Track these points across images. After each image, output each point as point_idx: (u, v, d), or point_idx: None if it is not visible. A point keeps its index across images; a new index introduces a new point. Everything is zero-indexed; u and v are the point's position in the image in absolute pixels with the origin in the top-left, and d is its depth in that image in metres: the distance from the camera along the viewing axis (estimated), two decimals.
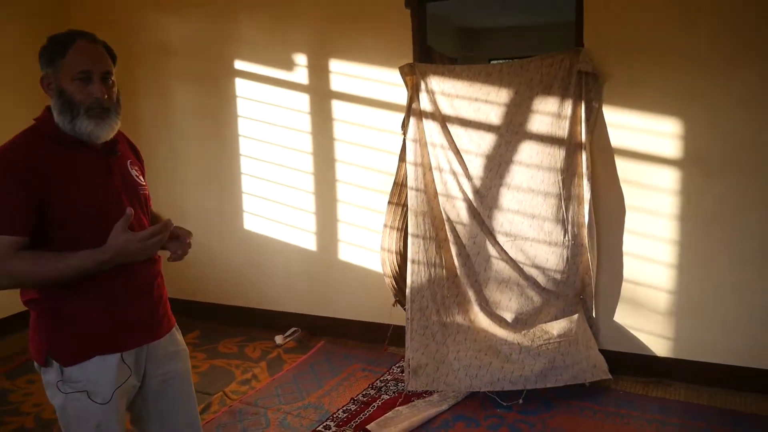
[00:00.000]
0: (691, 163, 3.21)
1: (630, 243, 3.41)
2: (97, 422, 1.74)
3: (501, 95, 3.44)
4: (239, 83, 4.19)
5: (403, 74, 3.59)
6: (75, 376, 1.72)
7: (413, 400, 3.34)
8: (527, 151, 3.42)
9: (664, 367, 3.40)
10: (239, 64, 4.17)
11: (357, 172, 3.95)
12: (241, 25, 4.14)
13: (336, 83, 3.91)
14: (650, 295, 3.40)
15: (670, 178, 3.27)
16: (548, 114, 3.38)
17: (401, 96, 3.70)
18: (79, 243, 1.67)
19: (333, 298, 4.19)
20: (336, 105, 3.93)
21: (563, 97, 3.34)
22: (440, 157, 3.56)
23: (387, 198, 3.71)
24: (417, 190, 3.59)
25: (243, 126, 4.24)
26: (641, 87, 3.24)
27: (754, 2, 3.00)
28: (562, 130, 3.36)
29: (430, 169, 3.58)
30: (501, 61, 3.34)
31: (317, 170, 4.07)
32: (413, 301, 3.52)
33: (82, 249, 1.65)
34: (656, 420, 3.04)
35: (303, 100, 4.03)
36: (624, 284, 3.45)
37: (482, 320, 3.58)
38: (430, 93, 3.55)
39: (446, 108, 3.53)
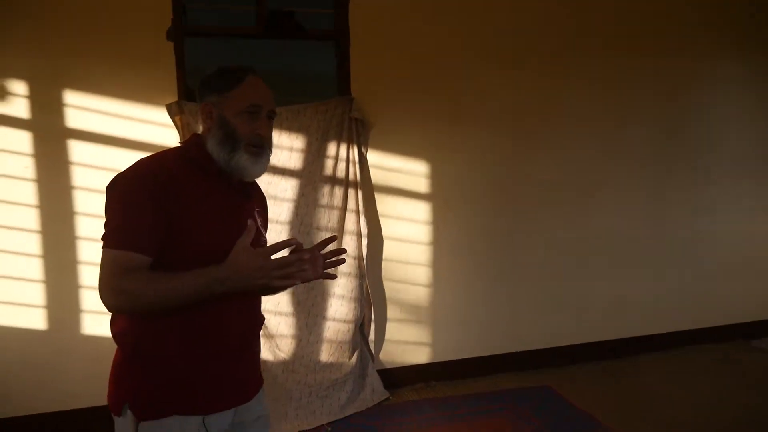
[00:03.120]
0: (437, 198, 3.89)
1: (391, 269, 3.87)
2: None
3: (282, 140, 3.48)
4: None
5: (171, 114, 3.27)
6: None
7: None
8: (313, 192, 3.54)
9: (430, 371, 3.97)
10: None
11: None
12: None
13: (75, 120, 3.21)
14: (412, 312, 3.93)
15: (421, 211, 3.87)
16: (328, 157, 3.58)
17: (166, 136, 3.32)
18: None
19: (74, 385, 3.35)
20: (75, 147, 3.23)
21: (339, 141, 3.60)
22: None
23: None
24: None
25: None
26: (398, 133, 3.77)
27: (481, 67, 3.89)
28: (340, 171, 3.61)
29: None
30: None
31: (46, 227, 3.23)
32: None
33: None
34: (438, 417, 3.52)
35: (21, 139, 3.16)
36: (390, 306, 3.89)
37: (275, 368, 3.50)
38: None
39: None
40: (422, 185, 3.85)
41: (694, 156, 4.49)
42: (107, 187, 1.55)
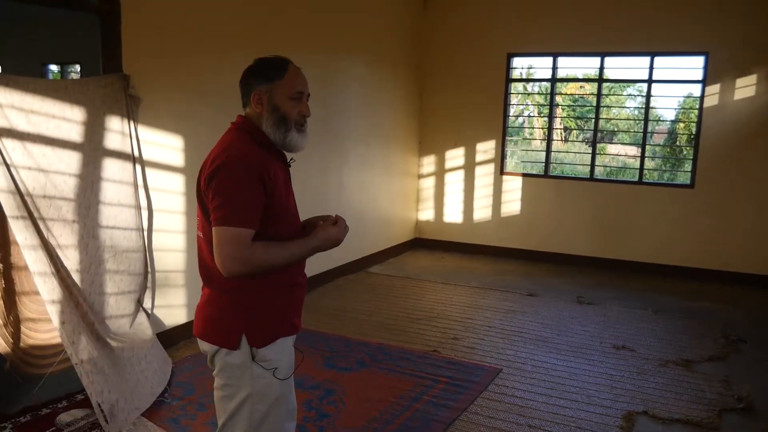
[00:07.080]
0: (191, 170, 4.27)
1: (160, 239, 4.09)
2: (276, 396, 2.01)
3: (75, 113, 3.37)
4: None
5: None
6: (266, 356, 1.97)
7: None
8: (110, 168, 3.53)
9: (190, 328, 4.34)
10: None
11: None
12: None
13: None
14: (173, 278, 4.25)
15: (179, 183, 4.21)
16: (115, 132, 3.60)
17: None
18: (286, 238, 1.96)
19: None
20: None
21: (121, 116, 3.66)
22: (27, 181, 3.09)
23: None
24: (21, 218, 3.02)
25: None
26: (158, 110, 4.00)
27: (239, 48, 4.40)
28: (122, 146, 3.68)
29: (23, 194, 3.05)
30: None
31: None
32: (68, 336, 3.06)
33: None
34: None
35: None
36: (158, 274, 4.09)
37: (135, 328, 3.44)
38: None
39: (23, 125, 3.11)
40: (178, 158, 4.19)
41: (341, 132, 6.04)
42: (214, 171, 1.85)
